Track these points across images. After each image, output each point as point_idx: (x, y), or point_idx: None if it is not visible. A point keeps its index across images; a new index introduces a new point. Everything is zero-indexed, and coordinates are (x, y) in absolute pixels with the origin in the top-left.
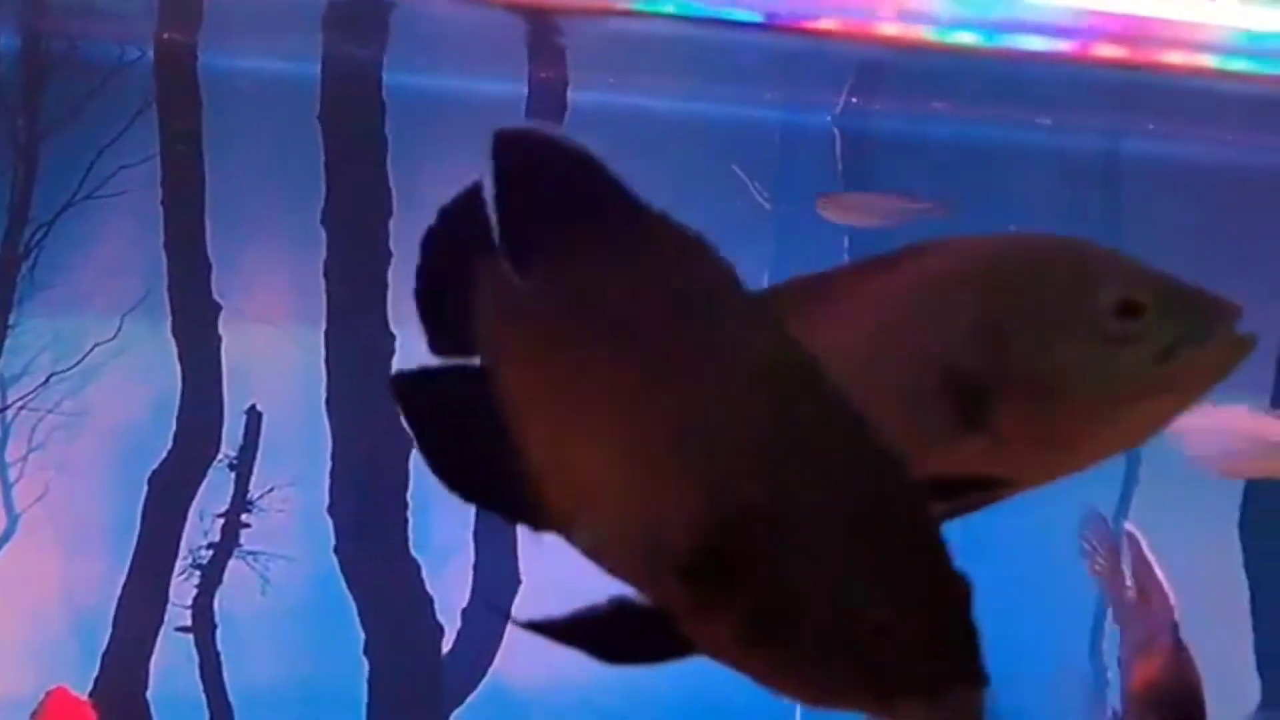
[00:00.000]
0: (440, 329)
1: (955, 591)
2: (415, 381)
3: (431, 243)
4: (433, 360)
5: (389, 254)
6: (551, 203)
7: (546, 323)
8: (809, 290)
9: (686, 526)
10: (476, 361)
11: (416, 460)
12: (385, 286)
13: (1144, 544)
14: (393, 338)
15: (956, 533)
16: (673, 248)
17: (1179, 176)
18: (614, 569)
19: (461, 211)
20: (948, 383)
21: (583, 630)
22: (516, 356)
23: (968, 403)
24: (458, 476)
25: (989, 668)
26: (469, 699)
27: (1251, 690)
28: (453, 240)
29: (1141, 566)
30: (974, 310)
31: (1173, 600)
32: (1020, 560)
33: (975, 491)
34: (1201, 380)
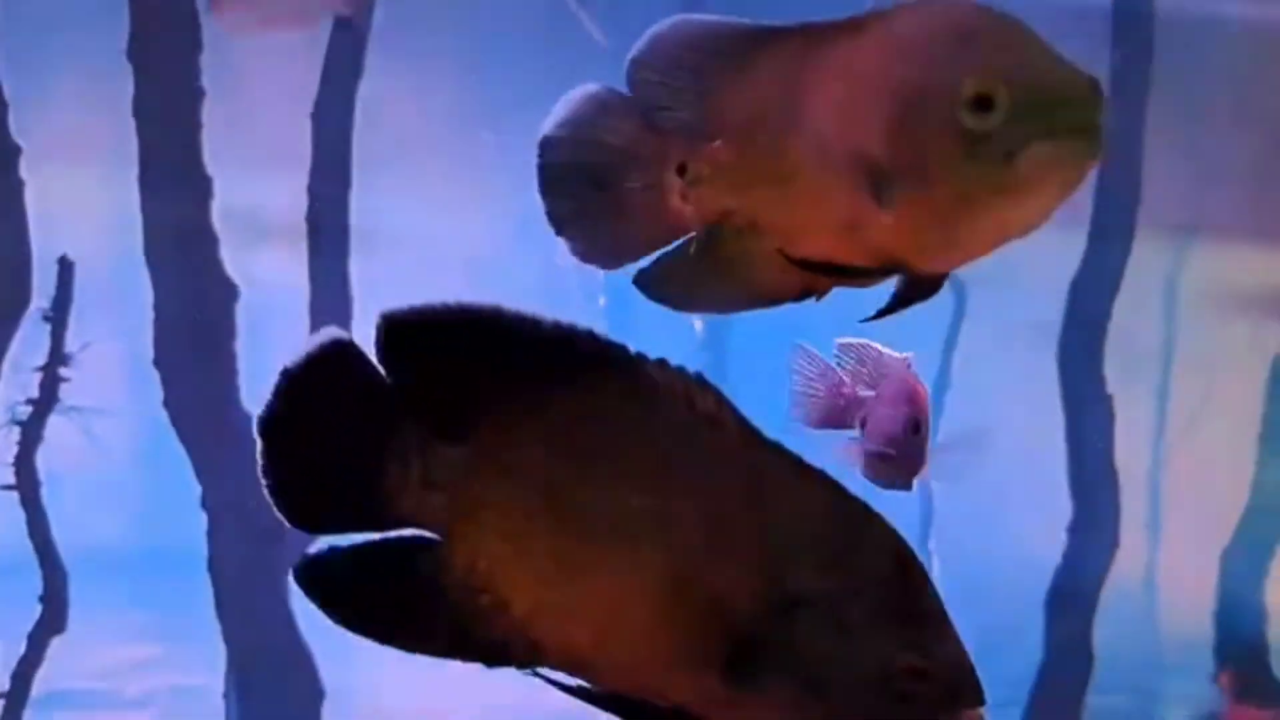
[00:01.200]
0: (338, 507)
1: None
2: (332, 565)
3: (305, 428)
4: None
5: (202, 91)
6: (474, 371)
7: (500, 479)
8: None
9: (722, 631)
10: (390, 534)
11: (243, 309)
12: (199, 126)
13: (868, 348)
14: (209, 180)
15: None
16: (623, 373)
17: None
18: (629, 684)
19: (336, 393)
20: (860, 160)
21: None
22: (469, 518)
23: (875, 181)
24: (424, 646)
25: None
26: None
27: (1064, 512)
28: (335, 422)
29: (873, 368)
30: (886, 95)
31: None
32: (847, 477)
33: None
34: (1049, 183)
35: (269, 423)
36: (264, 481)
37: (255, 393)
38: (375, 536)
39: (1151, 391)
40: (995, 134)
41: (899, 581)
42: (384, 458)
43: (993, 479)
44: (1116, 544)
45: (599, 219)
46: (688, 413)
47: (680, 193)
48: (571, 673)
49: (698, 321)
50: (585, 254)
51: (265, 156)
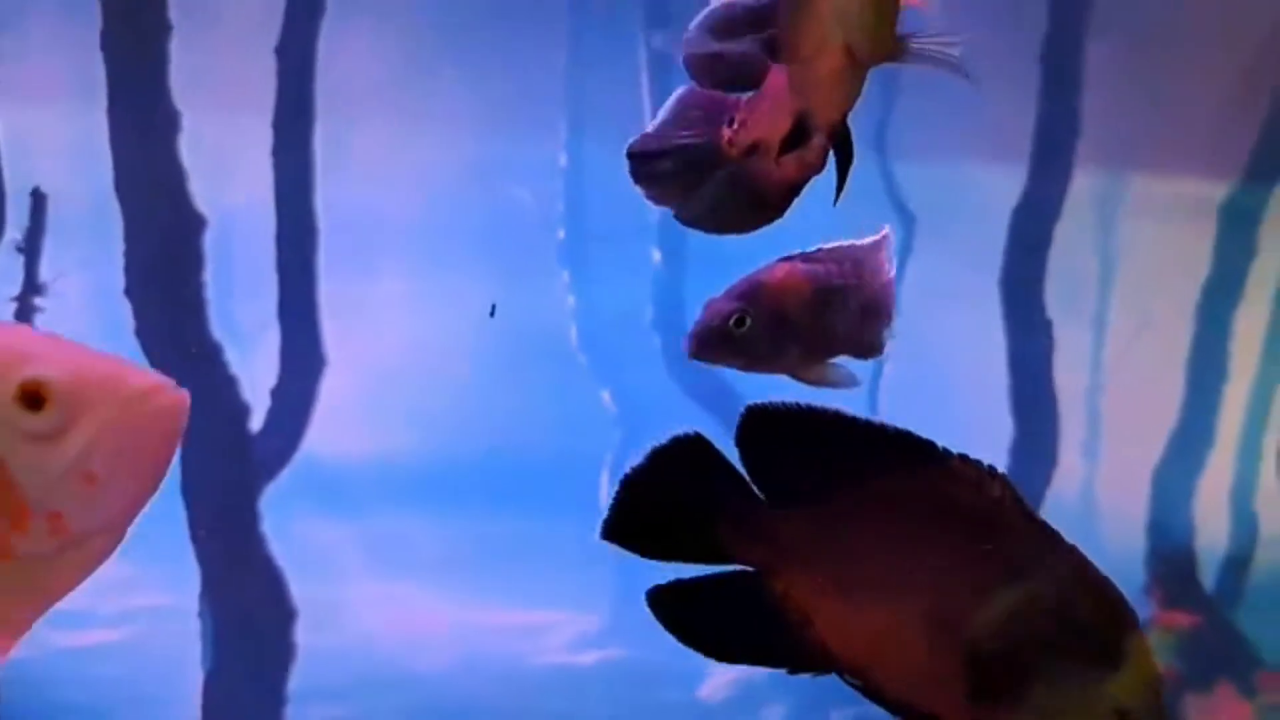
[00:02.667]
0: (671, 545)
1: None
2: (680, 593)
3: (661, 484)
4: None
5: (169, 25)
6: (815, 461)
7: (816, 536)
8: None
9: (969, 663)
10: (716, 569)
11: (211, 240)
12: (166, 60)
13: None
14: (178, 114)
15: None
16: (952, 477)
17: None
18: (896, 690)
19: (688, 461)
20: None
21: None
22: (787, 562)
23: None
24: (743, 653)
25: None
26: (279, 475)
27: (1006, 432)
28: (686, 482)
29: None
30: None
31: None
32: (795, 398)
33: None
34: None
35: (633, 479)
36: (612, 521)
37: (224, 322)
38: (709, 570)
39: (1089, 317)
40: None
41: (1117, 639)
42: (720, 516)
43: (938, 402)
44: (1055, 463)
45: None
46: (975, 494)
47: (729, 137)
48: (855, 676)
49: (656, 252)
50: (659, 199)
51: (232, 92)
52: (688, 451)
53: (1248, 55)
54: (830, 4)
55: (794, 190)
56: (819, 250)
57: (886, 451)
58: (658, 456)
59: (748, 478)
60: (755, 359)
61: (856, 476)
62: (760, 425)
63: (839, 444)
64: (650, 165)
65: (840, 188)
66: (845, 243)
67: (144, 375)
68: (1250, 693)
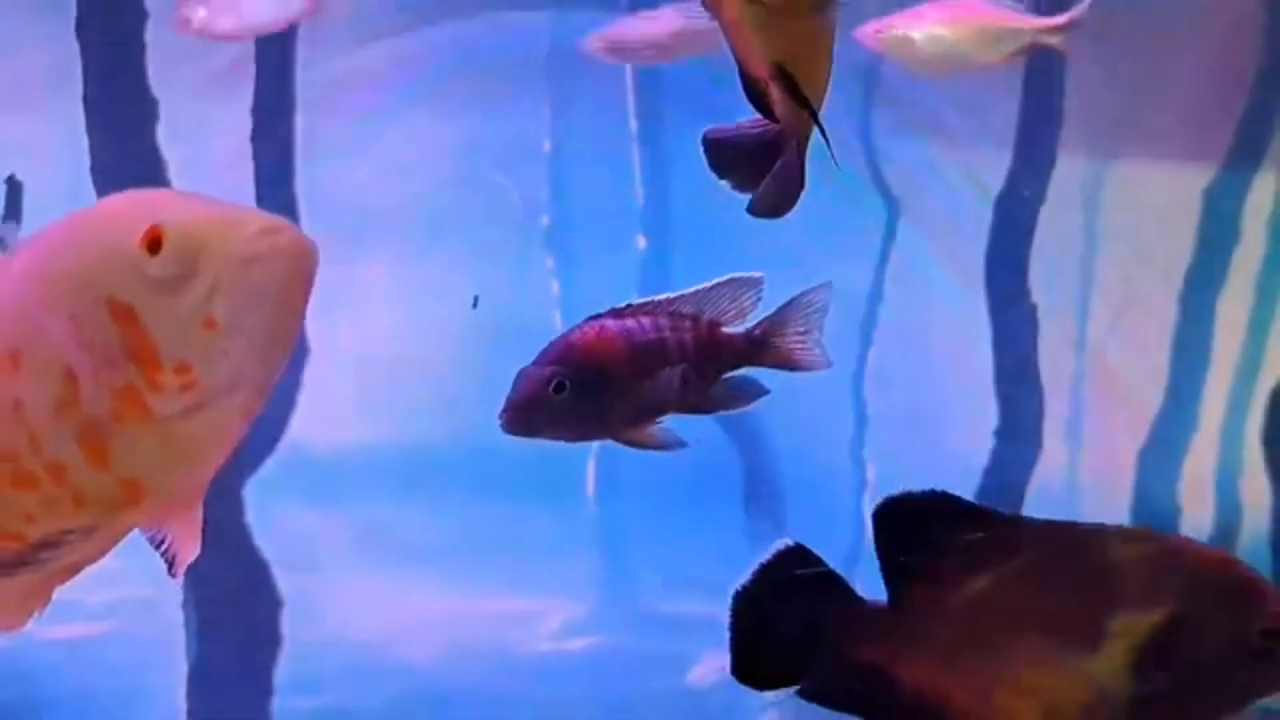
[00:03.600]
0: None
1: None
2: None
3: (772, 601)
4: None
5: (145, 13)
6: (944, 545)
7: (937, 632)
8: None
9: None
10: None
11: None
12: (143, 47)
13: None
14: (155, 102)
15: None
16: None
17: None
18: None
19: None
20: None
21: None
22: (913, 656)
23: None
24: None
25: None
26: (263, 465)
27: (990, 417)
28: (796, 596)
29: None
30: None
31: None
32: (783, 389)
33: None
34: None
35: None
36: (740, 658)
37: None
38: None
39: (1073, 302)
40: None
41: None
42: (832, 623)
43: (923, 387)
44: (1040, 447)
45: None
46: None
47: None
48: None
49: (641, 238)
50: (738, 189)
51: (210, 78)
52: (791, 563)
53: (1230, 40)
54: None
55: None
56: (631, 304)
57: (1016, 533)
58: (765, 572)
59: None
60: (579, 425)
61: (985, 559)
62: (898, 513)
63: (969, 527)
64: (721, 153)
65: (811, 136)
66: (700, 287)
67: (263, 218)
68: None
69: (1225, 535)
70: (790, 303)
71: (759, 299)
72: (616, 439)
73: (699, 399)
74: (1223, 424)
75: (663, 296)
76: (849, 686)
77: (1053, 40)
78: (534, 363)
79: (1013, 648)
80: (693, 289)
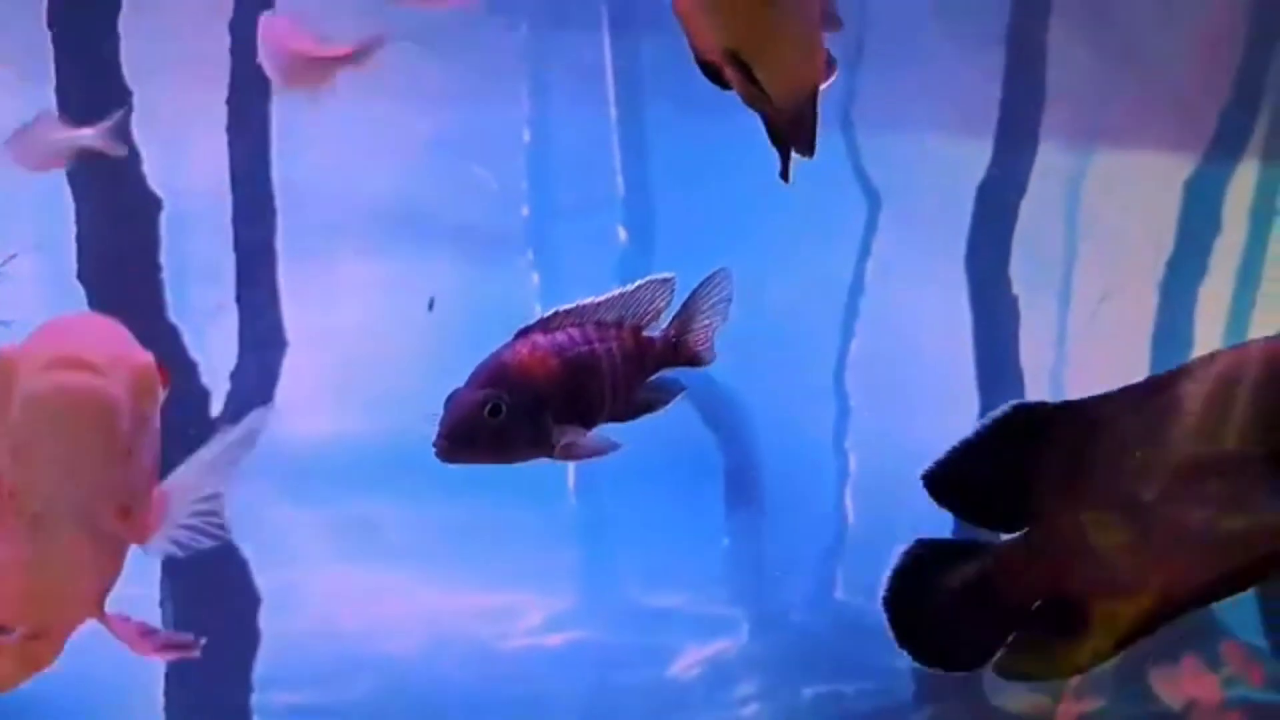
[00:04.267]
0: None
1: None
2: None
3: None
4: None
5: (118, 2)
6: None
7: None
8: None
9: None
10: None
11: (167, 221)
12: (117, 38)
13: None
14: (129, 92)
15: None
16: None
17: None
18: None
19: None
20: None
21: None
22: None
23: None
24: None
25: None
26: (241, 460)
27: (972, 407)
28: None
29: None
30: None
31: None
32: (765, 381)
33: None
34: None
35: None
36: (937, 473)
37: (181, 303)
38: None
39: (1054, 292)
40: None
41: None
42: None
43: (905, 378)
44: None
45: None
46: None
47: None
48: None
49: (622, 230)
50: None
51: (184, 69)
52: (1024, 422)
53: (1212, 32)
54: None
55: (778, 137)
56: (556, 314)
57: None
58: (998, 426)
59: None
60: (516, 446)
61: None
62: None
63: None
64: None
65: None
66: (618, 292)
67: (59, 353)
68: (1215, 664)
69: None
70: (693, 296)
71: (671, 298)
72: (552, 456)
73: (625, 407)
74: None
75: (587, 302)
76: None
77: None
78: (467, 385)
79: (1179, 500)
80: (611, 294)
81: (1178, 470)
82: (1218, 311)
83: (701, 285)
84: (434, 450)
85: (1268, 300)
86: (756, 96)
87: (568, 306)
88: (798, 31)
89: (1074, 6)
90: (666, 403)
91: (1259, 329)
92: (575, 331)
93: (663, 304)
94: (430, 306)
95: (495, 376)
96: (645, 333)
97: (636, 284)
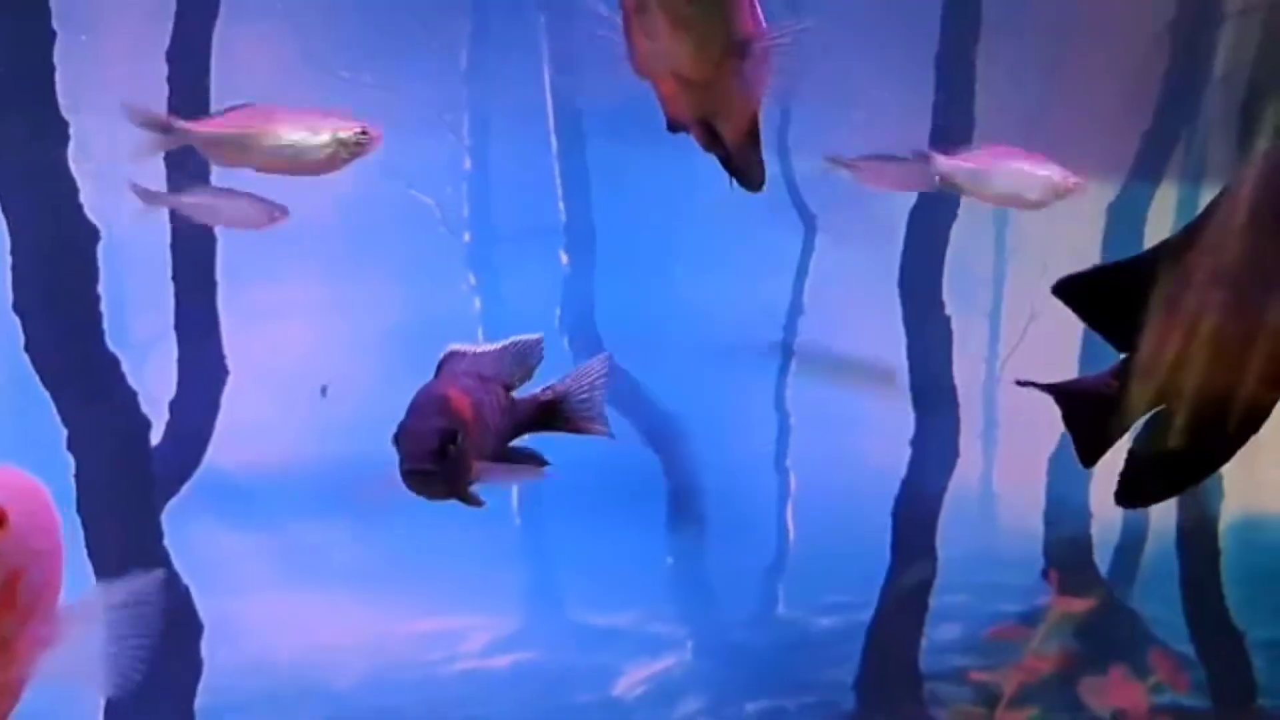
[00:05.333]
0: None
1: None
2: None
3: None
4: None
5: (54, 33)
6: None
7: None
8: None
9: None
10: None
11: (104, 251)
12: (51, 68)
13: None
14: (66, 124)
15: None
16: None
17: None
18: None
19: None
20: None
21: None
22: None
23: None
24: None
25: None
26: (183, 489)
27: (908, 426)
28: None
29: None
30: None
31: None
32: (706, 403)
33: None
34: None
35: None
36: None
37: (119, 334)
38: None
39: (985, 312)
40: None
41: None
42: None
43: (842, 398)
44: (957, 454)
45: None
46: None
47: None
48: None
49: (564, 255)
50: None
51: (122, 99)
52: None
53: (1134, 59)
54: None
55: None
56: (454, 354)
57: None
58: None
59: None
60: (464, 476)
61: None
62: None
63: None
64: None
65: (732, 177)
66: (490, 348)
67: None
68: (1143, 673)
69: (1134, 533)
70: (574, 372)
71: (541, 359)
72: (483, 479)
73: (493, 459)
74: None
75: (467, 351)
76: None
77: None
78: (416, 417)
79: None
80: (485, 349)
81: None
82: None
83: (583, 366)
84: (407, 480)
85: None
86: (718, 146)
87: (460, 348)
88: (752, 92)
89: (1002, 33)
90: (526, 467)
91: None
92: (469, 380)
93: (534, 363)
94: (323, 393)
95: (445, 409)
96: (517, 395)
97: (505, 342)
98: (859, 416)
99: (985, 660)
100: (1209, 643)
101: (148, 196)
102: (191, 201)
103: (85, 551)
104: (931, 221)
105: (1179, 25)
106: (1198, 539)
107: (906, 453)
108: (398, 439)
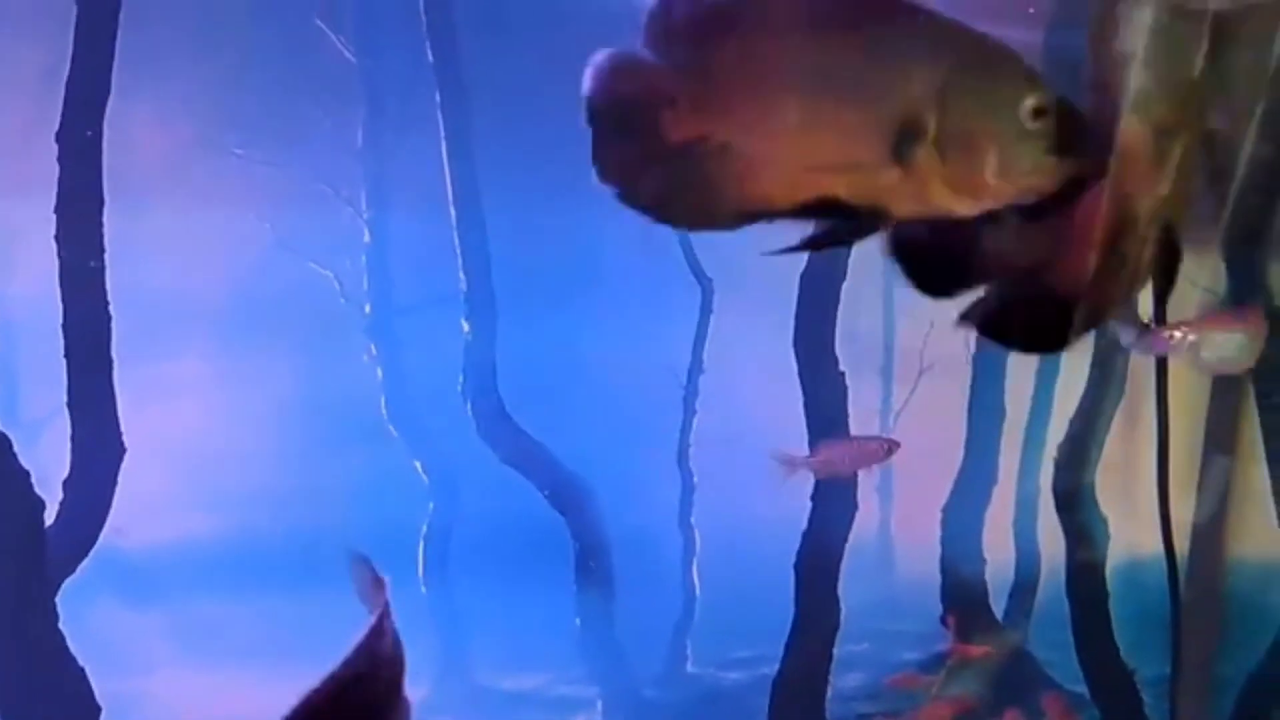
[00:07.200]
0: None
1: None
2: None
3: None
4: None
5: None
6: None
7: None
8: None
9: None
10: None
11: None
12: None
13: None
14: None
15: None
16: None
17: None
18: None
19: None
20: (894, 121)
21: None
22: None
23: (901, 139)
24: None
25: None
26: (80, 567)
27: (807, 480)
28: None
29: None
30: (933, 77)
31: None
32: (611, 463)
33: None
34: (1050, 178)
35: None
36: None
37: (9, 411)
38: None
39: (878, 368)
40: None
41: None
42: None
43: (743, 453)
44: (856, 506)
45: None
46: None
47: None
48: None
49: (465, 323)
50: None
51: (10, 178)
52: None
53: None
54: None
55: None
56: None
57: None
58: None
59: None
60: None
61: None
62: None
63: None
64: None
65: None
66: None
67: None
68: (1035, 716)
69: (1027, 578)
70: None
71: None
72: None
73: None
74: (1018, 474)
75: None
76: None
77: None
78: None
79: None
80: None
81: None
82: (1025, 379)
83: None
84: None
85: (1070, 364)
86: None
87: None
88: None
89: None
90: None
91: (1063, 398)
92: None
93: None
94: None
95: None
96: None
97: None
98: (760, 471)
99: (889, 706)
100: (1101, 682)
101: None
102: None
103: None
104: (822, 282)
105: None
106: (1086, 581)
107: (807, 506)
108: None
